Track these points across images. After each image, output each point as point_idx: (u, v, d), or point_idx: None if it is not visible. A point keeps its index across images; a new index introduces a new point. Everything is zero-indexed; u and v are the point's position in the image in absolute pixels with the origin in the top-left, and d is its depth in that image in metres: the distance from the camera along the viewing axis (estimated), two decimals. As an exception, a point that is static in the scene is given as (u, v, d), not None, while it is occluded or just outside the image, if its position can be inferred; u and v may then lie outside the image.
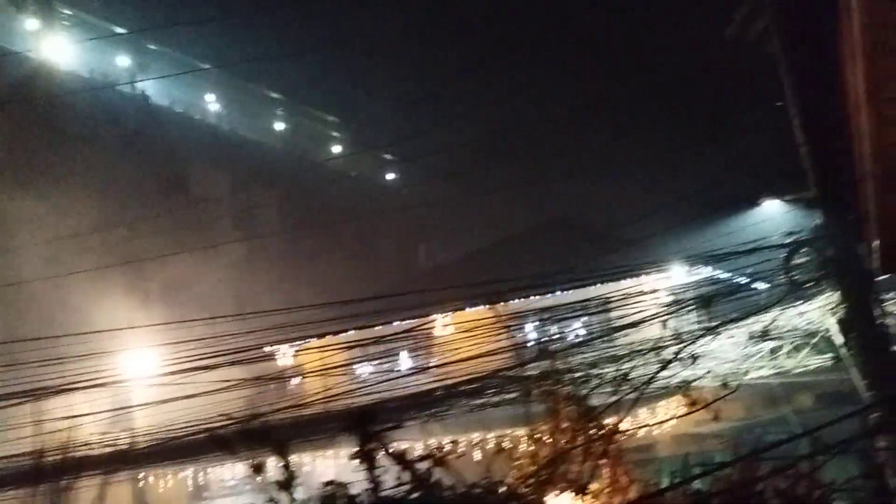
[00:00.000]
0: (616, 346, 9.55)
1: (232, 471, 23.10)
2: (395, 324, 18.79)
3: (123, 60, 30.88)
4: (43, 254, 22.91)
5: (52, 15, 28.27)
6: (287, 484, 2.45)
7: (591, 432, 3.73)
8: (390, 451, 2.58)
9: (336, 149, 40.75)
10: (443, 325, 19.36)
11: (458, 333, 16.41)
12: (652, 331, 11.75)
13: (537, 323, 17.83)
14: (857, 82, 6.53)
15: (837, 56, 7.52)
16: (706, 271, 14.63)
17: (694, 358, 3.51)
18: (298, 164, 35.54)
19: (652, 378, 3.87)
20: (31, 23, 28.23)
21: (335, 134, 41.48)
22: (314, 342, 21.47)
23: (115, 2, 30.73)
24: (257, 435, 2.49)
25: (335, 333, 19.92)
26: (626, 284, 15.28)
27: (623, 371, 3.74)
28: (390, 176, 43.39)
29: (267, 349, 21.34)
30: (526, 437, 4.39)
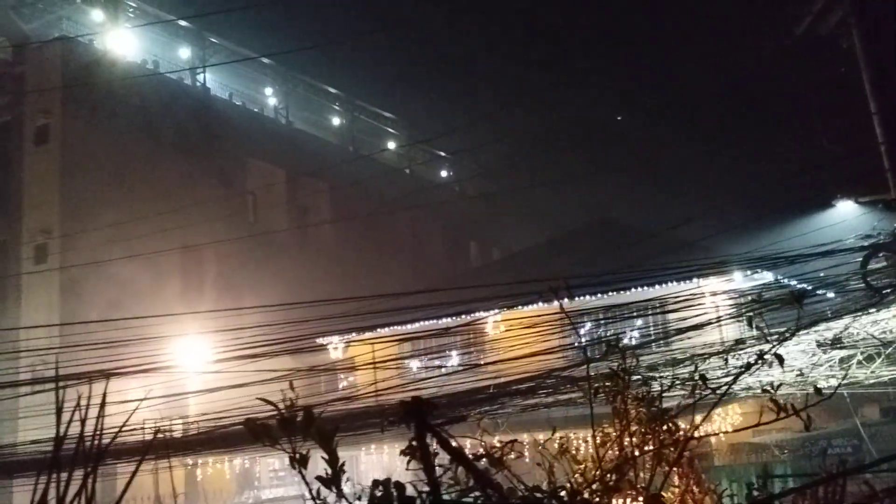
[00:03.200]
0: (682, 348, 9.28)
1: (282, 461, 23.30)
2: (446, 320, 18.72)
3: (185, 52, 31.30)
4: (106, 240, 23.31)
5: (118, 6, 28.75)
6: (333, 479, 2.29)
7: (662, 437, 3.53)
8: (448, 446, 2.41)
9: (390, 144, 40.81)
10: (495, 322, 19.20)
11: (512, 331, 16.24)
12: (712, 334, 11.45)
13: (593, 323, 17.60)
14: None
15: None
16: (771, 275, 14.25)
17: (780, 360, 3.28)
18: (353, 158, 35.67)
19: (736, 379, 3.65)
20: (97, 14, 28.75)
21: (390, 130, 41.55)
22: (366, 335, 21.52)
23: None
24: (301, 425, 2.33)
25: (386, 327, 19.92)
26: (687, 286, 14.95)
27: (700, 371, 3.52)
28: (444, 173, 43.34)
29: (319, 340, 21.50)
30: (588, 440, 4.20)
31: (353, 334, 22.00)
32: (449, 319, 18.47)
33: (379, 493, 2.27)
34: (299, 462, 2.43)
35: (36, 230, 25.22)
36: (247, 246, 28.10)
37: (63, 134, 25.62)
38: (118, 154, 26.28)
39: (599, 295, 16.32)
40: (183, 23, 29.60)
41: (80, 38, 27.10)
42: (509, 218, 43.81)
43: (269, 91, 35.27)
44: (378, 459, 22.36)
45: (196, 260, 27.68)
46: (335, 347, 22.90)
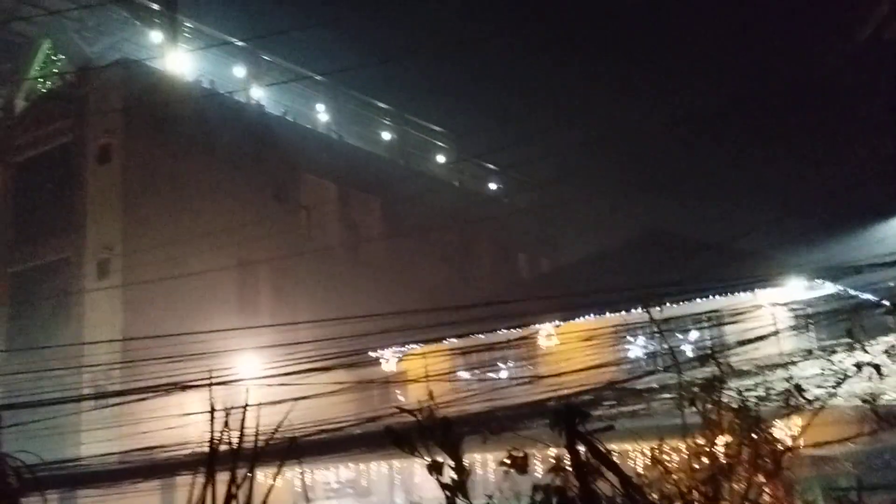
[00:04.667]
0: (747, 359, 9.18)
1: (336, 474, 23.46)
2: (500, 332, 18.73)
3: (240, 71, 31.92)
4: (166, 255, 23.83)
5: (175, 28, 29.48)
6: (460, 486, 2.33)
7: (758, 447, 3.52)
8: (599, 453, 2.45)
9: (440, 158, 41.03)
10: (548, 335, 19.16)
11: (567, 344, 16.19)
12: (770, 347, 11.30)
13: (648, 335, 17.44)
14: None
15: None
16: (833, 286, 13.98)
17: (878, 369, 3.25)
18: (403, 172, 35.92)
19: (837, 388, 3.63)
20: (155, 35, 29.52)
21: (440, 144, 41.78)
22: (419, 348, 21.63)
23: (233, 15, 31.84)
24: (434, 431, 2.38)
25: (440, 340, 19.99)
26: (747, 297, 14.77)
27: (794, 381, 3.50)
28: (493, 185, 43.39)
29: (372, 354, 21.65)
30: (670, 451, 4.19)
31: (408, 347, 22.13)
32: (503, 332, 18.49)
33: (539, 498, 2.30)
34: (435, 468, 2.49)
35: (99, 247, 25.90)
36: (301, 261, 28.47)
37: (124, 153, 26.32)
38: (177, 171, 26.90)
39: (670, 305, 16.18)
40: (237, 42, 30.22)
41: (140, 60, 27.84)
42: (559, 230, 43.68)
43: (320, 107, 35.76)
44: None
45: (252, 275, 28.15)
46: (388, 360, 23.01)
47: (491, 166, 41.72)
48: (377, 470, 21.61)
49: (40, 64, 30.59)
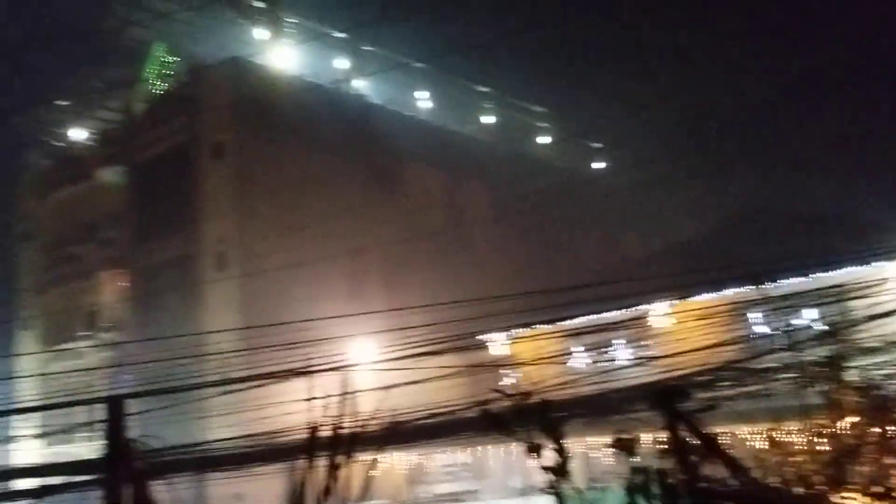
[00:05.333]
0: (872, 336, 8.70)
1: (451, 457, 23.71)
2: (611, 313, 18.42)
3: (341, 63, 32.44)
4: (279, 246, 24.56)
5: (279, 24, 30.22)
6: (561, 468, 2.29)
7: (886, 427, 3.31)
8: (702, 435, 2.36)
9: (544, 139, 40.62)
10: (662, 314, 18.72)
11: (682, 323, 15.77)
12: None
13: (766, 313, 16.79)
14: None
15: None
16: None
17: None
18: (506, 155, 35.74)
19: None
20: (260, 32, 30.34)
21: (543, 124, 41.36)
22: (528, 331, 21.53)
23: (334, 8, 32.37)
24: (533, 415, 2.35)
25: (550, 322, 19.84)
26: (870, 271, 14.00)
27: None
28: (598, 164, 42.67)
29: (481, 337, 21.70)
30: (789, 433, 4.00)
31: (517, 330, 22.08)
32: (614, 313, 18.19)
33: (638, 480, 2.27)
34: (534, 450, 2.48)
35: (216, 240, 26.94)
36: (408, 246, 28.78)
37: (236, 148, 27.24)
38: (285, 164, 27.64)
39: (789, 281, 15.52)
40: (338, 34, 30.72)
41: (247, 57, 28.68)
42: (668, 206, 42.59)
43: (421, 94, 35.97)
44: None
45: (362, 262, 28.68)
46: (498, 344, 23.03)
47: (595, 144, 41.05)
48: (494, 453, 21.73)
49: (155, 67, 31.95)
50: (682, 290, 16.23)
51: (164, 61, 31.93)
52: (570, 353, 21.46)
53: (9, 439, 25.78)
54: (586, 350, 21.47)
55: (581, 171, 40.23)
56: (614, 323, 16.86)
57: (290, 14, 31.15)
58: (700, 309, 12.83)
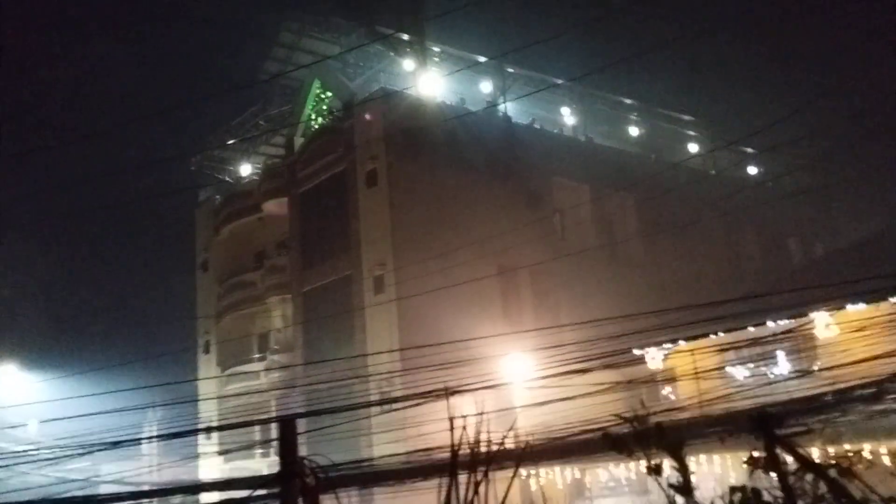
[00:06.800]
0: None
1: (609, 472, 23.59)
2: (770, 325, 17.90)
3: (486, 86, 33.16)
4: (432, 267, 25.41)
5: (425, 54, 31.32)
6: (685, 487, 2.54)
7: None
8: (799, 456, 2.56)
9: (693, 147, 39.72)
10: (825, 325, 18.02)
11: (846, 334, 15.21)
12: None
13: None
14: None
15: None
16: None
17: None
18: (655, 166, 35.25)
19: None
20: (407, 63, 31.58)
21: (691, 132, 40.47)
22: (685, 345, 21.20)
23: (476, 34, 33.19)
24: (652, 435, 2.61)
25: (708, 335, 19.49)
26: None
27: None
28: (752, 170, 41.22)
29: (636, 352, 21.56)
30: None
31: (673, 344, 21.78)
32: (772, 325, 17.69)
33: (737, 499, 2.48)
34: (655, 471, 2.73)
35: (373, 264, 28.19)
36: (559, 263, 28.98)
37: (389, 175, 28.48)
38: (437, 187, 28.60)
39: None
40: (482, 58, 31.46)
41: (396, 88, 29.94)
42: (832, 210, 40.56)
43: (566, 110, 36.11)
44: (707, 469, 21.85)
45: (513, 281, 29.14)
46: (653, 358, 22.77)
47: (748, 150, 39.71)
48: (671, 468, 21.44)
49: (312, 103, 33.88)
50: (846, 298, 15.60)
51: (321, 97, 33.79)
52: (723, 367, 20.97)
53: (195, 456, 27.96)
54: (746, 362, 20.91)
55: (735, 178, 39.02)
56: (774, 335, 16.41)
57: (435, 43, 32.22)
58: (862, 319, 12.39)
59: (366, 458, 20.13)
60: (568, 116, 36.17)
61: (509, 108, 32.86)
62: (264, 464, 27.79)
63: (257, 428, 26.74)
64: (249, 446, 27.45)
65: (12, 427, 28.34)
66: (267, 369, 32.30)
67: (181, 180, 38.88)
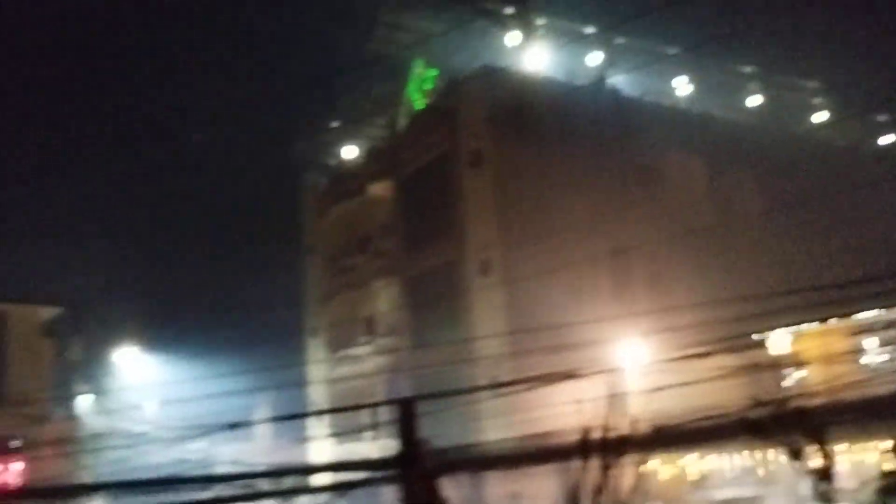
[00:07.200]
0: None
1: (729, 462, 22.44)
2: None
3: (594, 58, 31.99)
4: (541, 249, 24.68)
5: (529, 28, 30.45)
6: (827, 473, 1.90)
7: None
8: None
9: (819, 117, 37.35)
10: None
11: None
12: None
13: None
14: None
15: None
16: None
17: None
18: (777, 138, 33.28)
19: None
20: (511, 38, 30.77)
21: (817, 101, 38.06)
22: (813, 327, 19.85)
23: (583, 4, 32.00)
24: (793, 420, 1.97)
25: (842, 317, 18.10)
26: None
27: None
28: (886, 139, 38.42)
29: (755, 336, 20.32)
30: None
31: (799, 327, 20.52)
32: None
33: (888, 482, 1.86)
34: (796, 455, 2.11)
35: (478, 246, 27.65)
36: (674, 243, 27.71)
37: (493, 155, 27.82)
38: (544, 166, 27.76)
39: None
40: (589, 30, 30.37)
41: (500, 65, 29.21)
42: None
43: (679, 81, 34.56)
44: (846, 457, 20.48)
45: (625, 262, 28.04)
46: (777, 341, 21.53)
47: (881, 118, 37.04)
48: (783, 457, 20.25)
49: (415, 83, 33.51)
50: None
51: (423, 77, 33.38)
52: (860, 351, 19.67)
53: (307, 439, 28.28)
54: (880, 346, 19.45)
55: (866, 149, 36.47)
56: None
57: (540, 16, 31.28)
58: None
59: (480, 441, 19.83)
60: (681, 87, 34.63)
61: (619, 80, 31.62)
62: (374, 447, 27.81)
63: (366, 411, 26.77)
64: (363, 429, 27.48)
65: (134, 408, 29.34)
66: (374, 353, 32.32)
67: (286, 164, 39.28)
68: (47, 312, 25.71)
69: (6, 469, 21.73)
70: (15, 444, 22.27)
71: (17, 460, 21.83)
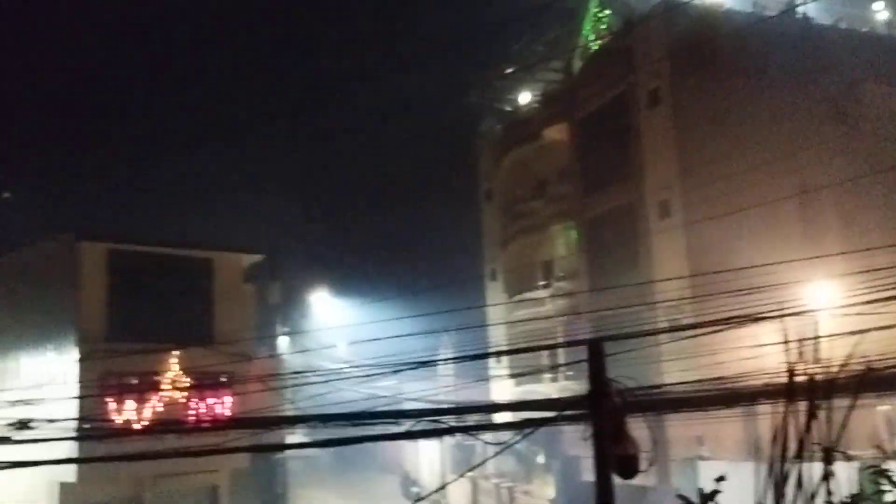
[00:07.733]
0: None
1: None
2: None
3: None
4: (724, 190, 23.86)
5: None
6: None
7: None
8: None
9: None
10: None
11: None
12: None
13: None
14: None
15: None
16: None
17: None
18: None
19: None
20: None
21: None
22: None
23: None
24: None
25: None
26: None
27: None
28: None
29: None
30: None
31: None
32: None
33: None
34: None
35: (657, 188, 27.07)
36: (870, 181, 25.94)
37: (673, 93, 26.94)
38: (726, 102, 26.62)
39: None
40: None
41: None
42: None
43: (878, 5, 31.85)
44: None
45: (816, 202, 26.57)
46: None
47: None
48: None
49: (590, 23, 32.88)
50: None
51: (598, 17, 32.68)
52: None
53: (488, 379, 29.15)
54: None
55: None
56: None
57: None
58: None
59: (667, 382, 19.73)
60: (881, 12, 31.89)
61: (810, 7, 29.58)
62: (553, 388, 28.28)
63: (545, 353, 27.19)
64: (548, 369, 27.93)
65: (328, 347, 31.34)
66: (552, 296, 32.62)
67: (463, 112, 39.83)
68: (249, 259, 27.58)
69: (220, 401, 23.78)
70: (223, 379, 24.05)
71: (227, 394, 23.74)
